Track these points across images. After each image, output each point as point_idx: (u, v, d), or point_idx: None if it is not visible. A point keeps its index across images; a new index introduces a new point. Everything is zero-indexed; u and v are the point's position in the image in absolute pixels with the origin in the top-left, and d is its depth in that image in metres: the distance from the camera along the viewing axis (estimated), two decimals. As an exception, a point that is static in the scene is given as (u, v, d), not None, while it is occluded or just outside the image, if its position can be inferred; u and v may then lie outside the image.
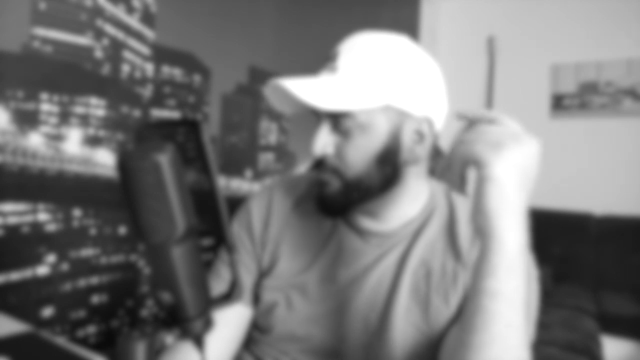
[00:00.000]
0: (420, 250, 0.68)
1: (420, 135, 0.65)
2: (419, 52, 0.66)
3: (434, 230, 0.69)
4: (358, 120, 0.61)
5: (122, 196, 0.34)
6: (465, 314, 0.52)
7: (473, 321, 0.49)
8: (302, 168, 1.85)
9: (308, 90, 0.60)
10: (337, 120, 0.63)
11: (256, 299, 0.74)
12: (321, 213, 0.68)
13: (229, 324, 0.72)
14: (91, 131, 1.16)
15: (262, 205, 0.77)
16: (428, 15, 2.63)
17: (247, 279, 0.75)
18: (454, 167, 0.54)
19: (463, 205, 0.71)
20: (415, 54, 0.65)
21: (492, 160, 0.49)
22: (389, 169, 0.64)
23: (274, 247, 0.74)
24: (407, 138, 0.64)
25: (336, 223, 0.73)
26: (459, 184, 0.54)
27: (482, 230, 0.50)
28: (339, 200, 0.65)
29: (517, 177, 0.48)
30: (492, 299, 0.48)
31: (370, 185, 0.64)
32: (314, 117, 0.67)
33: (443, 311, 0.64)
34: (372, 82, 0.61)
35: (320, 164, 0.66)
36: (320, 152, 0.64)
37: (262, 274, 0.75)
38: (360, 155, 0.63)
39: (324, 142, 0.64)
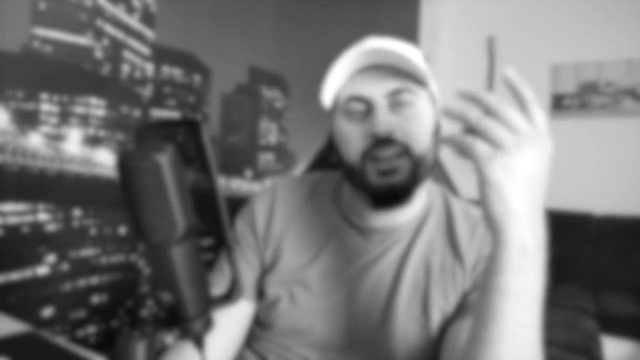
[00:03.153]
0: (422, 247, 0.69)
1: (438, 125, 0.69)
2: None
3: (433, 228, 0.71)
4: (416, 95, 0.64)
5: (122, 196, 0.34)
6: (476, 309, 0.52)
7: (483, 317, 0.50)
8: (302, 168, 1.85)
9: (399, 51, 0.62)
10: (396, 97, 0.63)
11: (260, 295, 0.75)
12: (385, 204, 0.65)
13: (232, 320, 0.72)
14: (91, 131, 1.16)
15: (265, 203, 0.78)
16: (428, 15, 2.63)
17: (250, 276, 0.75)
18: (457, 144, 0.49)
19: (457, 204, 0.74)
20: None
21: (486, 164, 0.46)
22: (436, 149, 0.67)
23: (277, 244, 0.75)
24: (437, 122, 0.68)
25: (338, 222, 0.74)
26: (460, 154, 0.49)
27: (491, 229, 0.49)
28: (410, 184, 0.64)
29: (520, 180, 0.46)
30: (499, 296, 0.48)
31: (431, 164, 0.66)
32: (359, 103, 0.65)
33: (442, 305, 0.66)
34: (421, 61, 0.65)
35: (370, 154, 0.63)
36: (386, 129, 0.62)
37: (265, 271, 0.75)
38: (424, 128, 0.64)
39: (387, 120, 0.62)
